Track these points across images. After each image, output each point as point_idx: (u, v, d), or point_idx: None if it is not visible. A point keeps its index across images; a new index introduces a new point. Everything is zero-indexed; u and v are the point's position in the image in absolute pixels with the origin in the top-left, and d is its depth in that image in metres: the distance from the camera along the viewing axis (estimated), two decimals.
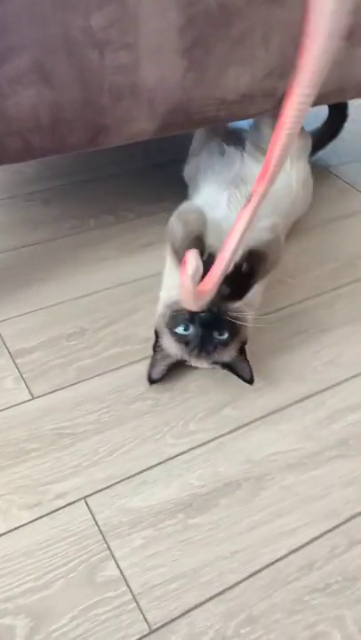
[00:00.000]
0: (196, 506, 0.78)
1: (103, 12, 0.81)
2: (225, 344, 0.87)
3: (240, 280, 0.86)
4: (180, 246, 0.89)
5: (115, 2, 0.81)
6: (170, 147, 1.44)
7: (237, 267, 0.84)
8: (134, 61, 0.88)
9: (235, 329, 0.87)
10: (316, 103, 1.13)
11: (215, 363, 0.90)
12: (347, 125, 1.40)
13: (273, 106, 1.04)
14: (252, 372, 0.90)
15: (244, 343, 0.91)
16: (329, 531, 0.76)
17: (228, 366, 0.91)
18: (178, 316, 0.88)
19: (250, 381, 0.90)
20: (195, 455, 0.83)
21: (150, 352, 0.92)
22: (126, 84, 0.90)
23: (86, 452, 0.83)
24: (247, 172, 1.10)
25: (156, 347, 0.92)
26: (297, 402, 0.91)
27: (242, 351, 0.91)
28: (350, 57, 1.07)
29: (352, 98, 1.18)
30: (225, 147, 1.16)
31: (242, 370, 0.90)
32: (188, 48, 0.91)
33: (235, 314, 0.86)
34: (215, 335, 0.86)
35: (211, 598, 0.69)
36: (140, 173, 1.39)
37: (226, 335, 0.87)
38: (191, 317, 0.86)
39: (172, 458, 0.83)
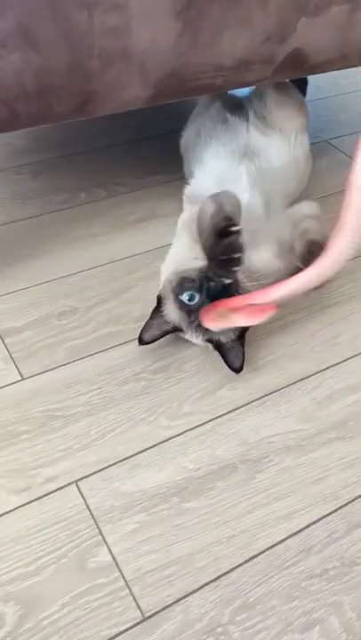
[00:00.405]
0: (191, 489, 0.75)
1: None
2: None
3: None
4: (209, 224, 0.85)
5: None
6: (164, 118, 1.39)
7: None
8: (125, 24, 0.83)
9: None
10: (318, 71, 1.09)
11: (210, 340, 0.87)
12: (346, 97, 1.35)
13: (271, 73, 0.99)
14: (243, 361, 0.87)
15: (243, 334, 0.88)
16: (327, 515, 0.74)
17: (219, 348, 0.88)
18: (186, 283, 0.85)
19: (236, 370, 0.87)
20: (190, 437, 0.81)
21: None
22: (117, 48, 0.85)
23: (77, 435, 0.80)
24: (256, 144, 1.06)
25: (156, 312, 0.89)
26: (295, 382, 0.89)
27: (241, 336, 0.88)
28: (351, 21, 1.01)
29: (354, 66, 1.13)
30: (227, 115, 1.11)
31: (233, 355, 0.87)
32: (182, 10, 0.86)
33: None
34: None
35: (206, 584, 0.67)
36: (133, 145, 1.34)
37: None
38: (200, 287, 0.84)
39: (166, 440, 0.80)
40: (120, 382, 0.87)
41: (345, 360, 0.92)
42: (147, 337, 0.88)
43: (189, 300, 0.85)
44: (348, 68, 1.26)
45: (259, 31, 0.94)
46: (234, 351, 0.87)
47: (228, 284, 0.83)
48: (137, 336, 0.91)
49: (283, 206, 1.04)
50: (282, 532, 0.72)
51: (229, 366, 0.87)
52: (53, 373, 0.88)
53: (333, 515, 0.74)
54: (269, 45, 0.96)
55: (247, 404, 0.86)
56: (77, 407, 0.84)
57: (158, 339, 0.89)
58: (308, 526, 0.73)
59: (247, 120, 1.10)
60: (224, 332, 0.85)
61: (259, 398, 0.86)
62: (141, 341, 0.88)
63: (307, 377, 0.90)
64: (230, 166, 1.03)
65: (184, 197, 1.06)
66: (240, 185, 0.99)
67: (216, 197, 0.90)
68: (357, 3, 0.99)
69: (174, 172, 1.19)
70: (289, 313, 0.99)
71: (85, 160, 1.29)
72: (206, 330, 0.84)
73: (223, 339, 0.86)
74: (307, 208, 1.01)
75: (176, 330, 0.89)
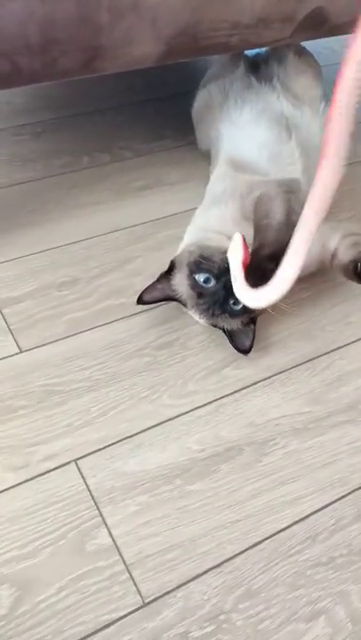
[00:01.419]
0: (194, 471, 0.73)
1: None
2: (234, 315, 0.80)
3: None
4: (276, 232, 0.80)
5: None
6: (172, 79, 1.32)
7: None
8: None
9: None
10: (338, 32, 1.02)
11: (215, 325, 0.84)
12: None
13: (291, 33, 0.93)
14: (252, 343, 0.83)
15: (254, 318, 0.84)
16: (335, 501, 0.71)
17: (225, 331, 0.84)
18: (206, 263, 0.80)
19: (245, 351, 0.83)
20: (194, 417, 0.78)
21: None
22: (127, 1, 0.79)
23: (78, 411, 0.77)
24: (293, 118, 1.02)
25: (165, 277, 0.84)
26: (304, 362, 0.86)
27: (252, 320, 0.83)
28: None
29: None
30: (253, 79, 1.05)
31: (242, 337, 0.83)
32: None
33: None
34: (230, 302, 0.79)
35: (208, 570, 0.65)
36: (139, 108, 1.28)
37: (240, 307, 0.79)
38: (218, 273, 0.79)
39: (169, 419, 0.77)
40: (123, 358, 0.84)
41: (357, 340, 0.89)
42: (147, 297, 0.84)
43: (204, 282, 0.80)
44: None
45: None
46: (243, 333, 0.83)
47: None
48: (141, 310, 0.88)
49: None
50: (287, 518, 0.69)
51: (236, 348, 0.83)
52: (53, 346, 0.84)
53: (341, 501, 0.71)
54: (290, 2, 0.89)
55: (254, 384, 0.82)
56: (78, 382, 0.80)
57: (158, 302, 0.86)
58: (314, 512, 0.70)
59: (274, 88, 1.05)
60: (231, 322, 0.81)
61: (266, 378, 0.83)
62: (140, 301, 0.84)
63: (316, 357, 0.86)
64: (278, 138, 0.98)
65: (220, 161, 0.99)
66: (295, 165, 0.95)
67: (287, 196, 0.85)
68: None
69: (181, 137, 1.14)
70: (300, 290, 0.95)
71: (89, 122, 1.23)
72: (212, 316, 0.81)
73: (228, 327, 0.82)
74: (352, 226, 0.95)
75: (179, 301, 0.85)
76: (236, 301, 0.78)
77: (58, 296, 0.91)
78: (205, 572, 0.65)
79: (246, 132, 1.01)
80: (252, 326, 0.83)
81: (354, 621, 0.63)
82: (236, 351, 0.84)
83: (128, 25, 0.81)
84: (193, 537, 0.67)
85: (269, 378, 0.83)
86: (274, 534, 0.68)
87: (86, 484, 0.71)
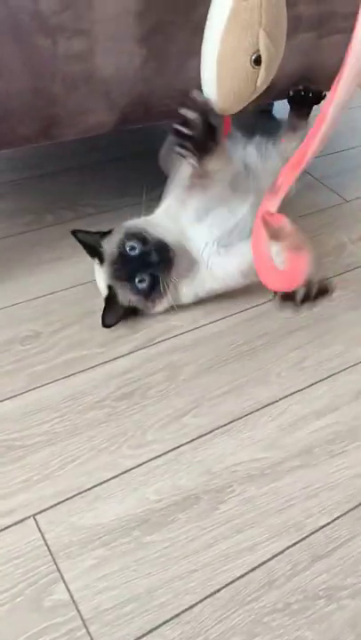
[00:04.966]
0: (152, 522, 0.74)
1: None
2: (134, 290, 0.92)
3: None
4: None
5: None
6: (132, 139, 1.39)
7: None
8: (89, 49, 0.83)
9: (156, 292, 0.93)
10: (283, 96, 1.10)
11: (109, 289, 0.95)
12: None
13: None
14: (115, 322, 0.95)
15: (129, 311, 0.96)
16: (290, 546, 0.73)
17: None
18: (141, 235, 0.92)
19: (105, 325, 0.94)
20: (152, 467, 0.79)
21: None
22: (81, 74, 0.85)
23: (37, 466, 0.78)
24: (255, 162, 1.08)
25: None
26: (260, 408, 0.88)
27: (134, 311, 0.96)
28: (318, 46, 1.03)
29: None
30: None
31: (113, 313, 0.94)
32: (147, 36, 0.86)
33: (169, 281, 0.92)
34: (137, 277, 0.91)
35: (165, 622, 0.65)
36: (100, 166, 1.34)
37: (144, 286, 0.92)
38: (145, 247, 0.91)
39: (128, 470, 0.79)
40: (83, 409, 0.86)
41: (311, 385, 0.92)
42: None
43: (130, 249, 0.91)
44: None
45: None
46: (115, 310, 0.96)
47: (161, 261, 0.90)
48: (102, 361, 0.90)
49: None
50: (244, 565, 0.70)
51: (103, 318, 0.95)
52: (13, 401, 0.86)
53: (297, 546, 0.73)
54: None
55: (211, 432, 0.84)
56: (38, 436, 0.81)
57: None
58: (270, 559, 0.71)
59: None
60: (125, 293, 0.94)
61: (223, 425, 0.85)
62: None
63: (272, 402, 0.89)
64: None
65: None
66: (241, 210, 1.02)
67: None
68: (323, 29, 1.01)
69: (141, 194, 1.18)
70: (254, 338, 0.98)
71: (53, 181, 1.28)
72: (116, 278, 0.93)
73: (122, 298, 0.94)
74: None
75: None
76: (142, 280, 0.91)
77: (20, 350, 0.93)
78: (162, 624, 0.65)
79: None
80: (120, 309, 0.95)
81: None
82: (194, 399, 0.87)
83: (82, 96, 0.86)
84: (150, 589, 0.68)
85: (226, 425, 0.85)
86: (231, 582, 0.69)
87: (44, 538, 0.71)
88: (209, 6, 0.86)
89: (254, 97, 0.83)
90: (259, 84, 0.80)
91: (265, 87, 0.82)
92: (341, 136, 1.51)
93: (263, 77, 0.79)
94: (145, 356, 0.94)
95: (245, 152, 1.08)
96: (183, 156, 0.87)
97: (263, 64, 0.78)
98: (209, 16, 0.78)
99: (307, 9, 0.96)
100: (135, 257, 0.91)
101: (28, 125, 0.85)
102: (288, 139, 1.14)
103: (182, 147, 0.86)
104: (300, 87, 1.08)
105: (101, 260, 0.95)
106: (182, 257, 0.94)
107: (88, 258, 1.10)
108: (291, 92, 1.09)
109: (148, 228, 0.94)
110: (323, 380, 0.93)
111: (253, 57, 0.77)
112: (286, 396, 0.90)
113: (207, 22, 0.79)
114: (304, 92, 1.09)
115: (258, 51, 0.77)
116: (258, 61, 0.77)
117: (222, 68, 0.78)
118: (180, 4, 0.85)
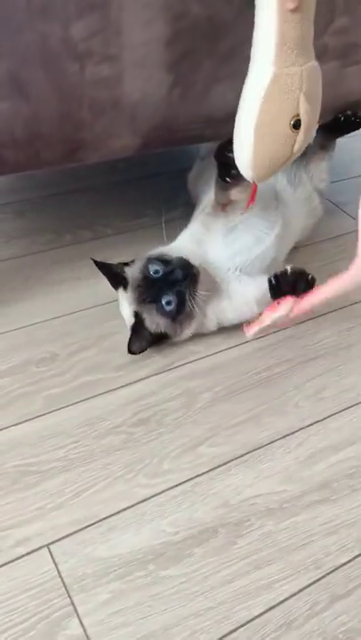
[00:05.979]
0: (168, 555, 0.72)
1: (84, 21, 0.76)
2: (160, 311, 0.90)
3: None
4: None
5: (96, 11, 0.76)
6: (153, 160, 1.39)
7: None
8: (117, 75, 0.83)
9: (184, 312, 0.90)
10: None
11: (136, 315, 0.93)
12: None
13: None
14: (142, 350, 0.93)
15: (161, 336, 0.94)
16: (309, 585, 0.71)
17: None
18: (163, 257, 0.92)
19: (130, 351, 0.92)
20: (168, 497, 0.78)
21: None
22: (108, 99, 0.84)
23: (52, 493, 0.77)
24: (285, 190, 1.08)
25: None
26: (278, 439, 0.87)
27: (165, 336, 0.94)
28: (342, 76, 1.03)
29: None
30: None
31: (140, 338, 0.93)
32: (175, 62, 0.86)
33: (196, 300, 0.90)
34: (163, 298, 0.90)
35: None
36: (120, 187, 1.34)
37: (170, 308, 0.90)
38: (167, 269, 0.90)
39: (144, 500, 0.77)
40: (99, 435, 0.85)
41: (330, 416, 0.91)
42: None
43: (154, 272, 0.90)
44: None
45: None
46: (143, 337, 0.94)
47: (186, 276, 0.89)
48: (118, 385, 0.89)
49: None
50: (262, 604, 0.69)
51: (129, 344, 0.93)
52: (29, 424, 0.85)
53: (316, 585, 0.71)
54: None
55: (228, 462, 0.83)
56: (53, 462, 0.80)
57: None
58: (289, 597, 0.70)
59: None
60: (153, 317, 0.92)
61: (240, 456, 0.84)
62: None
63: (290, 433, 0.88)
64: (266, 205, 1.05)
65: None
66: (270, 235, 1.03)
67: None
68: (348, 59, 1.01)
69: (159, 215, 1.18)
70: (273, 365, 0.97)
71: (71, 200, 1.28)
72: (142, 301, 0.91)
73: (149, 323, 0.93)
74: None
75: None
76: (169, 302, 0.89)
77: (36, 372, 0.92)
78: None
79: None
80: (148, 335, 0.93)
81: None
82: (210, 428, 0.85)
83: (108, 121, 0.86)
84: (165, 626, 0.66)
85: (243, 456, 0.84)
86: (248, 622, 0.67)
87: (58, 570, 0.70)
88: (234, 36, 0.86)
89: (288, 163, 0.82)
90: (296, 148, 0.79)
91: (300, 154, 0.81)
92: (359, 162, 1.50)
93: (301, 142, 0.78)
94: (162, 381, 0.93)
95: (275, 179, 1.08)
96: (227, 184, 0.89)
97: (302, 128, 0.77)
98: (245, 86, 0.78)
99: (331, 39, 0.96)
100: (160, 278, 0.90)
101: (54, 149, 0.85)
102: (317, 159, 1.14)
103: (228, 175, 0.87)
104: (349, 112, 1.08)
105: (125, 287, 0.94)
106: (206, 279, 0.93)
107: (106, 279, 1.10)
108: (341, 117, 1.08)
109: (170, 252, 0.94)
110: (342, 410, 0.91)
111: (293, 121, 0.76)
112: (305, 427, 0.89)
113: (243, 92, 0.78)
114: (354, 117, 1.08)
115: (298, 115, 0.76)
116: (297, 126, 0.77)
117: (261, 132, 0.77)
118: (208, 33, 0.85)
